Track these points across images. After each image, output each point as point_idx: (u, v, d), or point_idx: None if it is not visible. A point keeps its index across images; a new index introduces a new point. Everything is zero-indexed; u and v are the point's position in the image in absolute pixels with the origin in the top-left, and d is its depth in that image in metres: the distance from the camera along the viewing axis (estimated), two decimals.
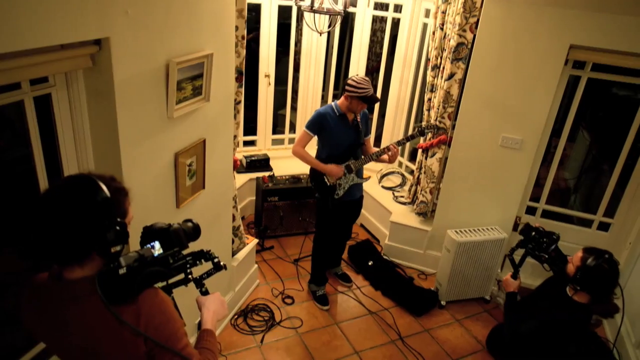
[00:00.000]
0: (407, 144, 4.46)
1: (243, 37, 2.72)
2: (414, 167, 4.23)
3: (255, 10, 4.36)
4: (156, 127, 2.10)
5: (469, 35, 3.33)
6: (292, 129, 5.02)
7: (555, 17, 3.05)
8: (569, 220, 3.94)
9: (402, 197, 4.34)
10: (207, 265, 1.52)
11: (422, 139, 3.88)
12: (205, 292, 1.54)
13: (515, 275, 2.62)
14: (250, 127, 4.78)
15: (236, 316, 3.37)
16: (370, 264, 4.02)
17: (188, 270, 1.45)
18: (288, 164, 4.65)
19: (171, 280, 1.46)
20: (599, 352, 3.26)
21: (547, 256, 2.51)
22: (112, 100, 1.81)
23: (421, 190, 3.96)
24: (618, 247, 3.59)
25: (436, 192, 3.94)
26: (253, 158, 4.52)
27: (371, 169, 4.54)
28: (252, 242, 3.52)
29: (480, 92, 3.40)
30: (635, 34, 2.95)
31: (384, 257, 4.16)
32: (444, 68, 3.57)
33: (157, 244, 1.36)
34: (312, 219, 4.30)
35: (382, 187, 4.53)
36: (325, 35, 4.51)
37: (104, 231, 1.20)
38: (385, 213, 4.26)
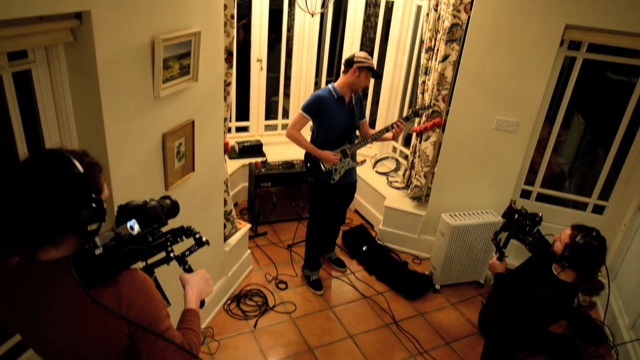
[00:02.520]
0: None
1: (232, 17, 2.66)
2: (408, 152, 4.19)
3: None
4: (142, 106, 2.05)
5: (463, 16, 3.28)
6: (285, 114, 4.97)
7: None
8: (564, 203, 3.93)
9: (396, 182, 4.31)
10: (189, 243, 1.48)
11: (416, 122, 3.85)
12: (188, 270, 1.50)
13: (501, 258, 2.61)
14: (243, 113, 4.73)
15: (229, 301, 3.35)
16: (364, 249, 3.99)
17: (169, 248, 1.41)
18: (281, 149, 4.60)
19: (152, 260, 1.42)
20: (593, 334, 3.26)
21: (530, 238, 2.50)
22: (95, 78, 1.75)
23: (415, 175, 3.93)
24: (612, 229, 3.58)
25: (430, 176, 3.91)
26: (246, 144, 4.47)
27: (365, 153, 4.50)
28: (244, 227, 3.49)
29: (475, 74, 3.36)
30: (631, 13, 2.91)
31: (378, 242, 4.14)
32: (438, 50, 3.52)
33: (135, 223, 1.30)
34: (305, 205, 4.27)
35: (376, 172, 4.50)
36: (318, 21, 4.45)
37: (78, 209, 1.14)
38: (379, 198, 4.23)
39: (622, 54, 3.24)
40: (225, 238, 3.27)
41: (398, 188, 4.23)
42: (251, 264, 3.74)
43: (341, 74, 3.17)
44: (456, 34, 3.35)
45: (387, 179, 4.38)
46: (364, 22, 4.55)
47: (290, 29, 4.72)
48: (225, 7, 2.56)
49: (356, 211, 4.65)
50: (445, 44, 3.39)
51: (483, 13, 3.18)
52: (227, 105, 2.91)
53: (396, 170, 4.49)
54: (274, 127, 4.95)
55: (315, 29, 4.52)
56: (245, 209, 4.47)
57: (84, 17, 1.66)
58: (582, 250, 2.21)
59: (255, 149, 4.49)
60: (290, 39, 4.73)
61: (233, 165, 4.32)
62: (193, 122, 2.43)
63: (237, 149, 4.46)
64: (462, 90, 3.44)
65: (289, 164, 4.27)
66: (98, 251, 1.16)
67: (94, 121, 1.84)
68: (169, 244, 1.41)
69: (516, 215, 2.55)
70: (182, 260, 1.50)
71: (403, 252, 4.11)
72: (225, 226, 3.22)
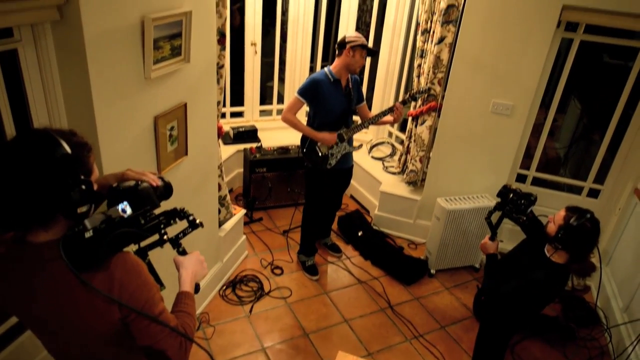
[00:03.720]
0: None
1: None
2: (403, 137, 4.17)
3: None
4: (133, 87, 2.01)
5: None
6: (280, 100, 4.92)
7: None
8: (560, 188, 3.93)
9: (391, 167, 4.29)
10: (182, 225, 1.45)
11: (411, 106, 3.82)
12: (182, 252, 1.48)
13: (493, 237, 2.61)
14: (238, 98, 4.68)
15: (224, 287, 3.34)
16: (360, 234, 3.99)
17: (162, 231, 1.38)
18: (276, 135, 4.57)
19: (145, 242, 1.39)
20: (586, 317, 3.28)
21: (525, 218, 2.50)
22: (83, 57, 1.71)
23: (411, 159, 3.91)
24: (607, 213, 3.58)
25: (426, 161, 3.89)
26: (240, 129, 4.43)
27: (361, 138, 4.47)
28: (239, 212, 3.47)
29: (471, 56, 3.32)
30: None
31: (374, 227, 4.14)
32: (434, 32, 3.47)
33: (126, 205, 1.26)
34: (301, 190, 4.25)
35: (372, 157, 4.48)
36: (312, 4, 4.39)
37: (67, 190, 1.11)
38: (375, 183, 4.22)
39: (620, 36, 3.21)
40: (220, 223, 3.25)
41: (394, 173, 4.22)
42: (246, 249, 3.73)
43: (336, 57, 3.13)
44: (452, 16, 3.30)
45: (383, 164, 4.36)
46: (360, 5, 4.49)
47: (284, 12, 4.66)
48: None
49: (352, 196, 4.64)
50: (441, 26, 3.35)
51: None
52: (221, 89, 2.87)
53: (392, 155, 4.47)
54: (269, 113, 4.91)
55: (310, 12, 4.45)
56: (240, 194, 4.45)
57: None
58: (576, 232, 2.20)
59: (250, 134, 4.45)
60: (284, 23, 4.67)
61: (228, 150, 4.29)
62: (185, 105, 2.39)
63: (231, 135, 4.42)
64: (458, 73, 3.40)
65: (284, 149, 4.24)
66: (88, 234, 1.13)
67: (83, 102, 1.80)
68: (162, 226, 1.38)
69: (511, 195, 2.55)
70: (175, 242, 1.47)
71: (399, 237, 4.11)
72: (220, 211, 3.20)
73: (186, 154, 2.52)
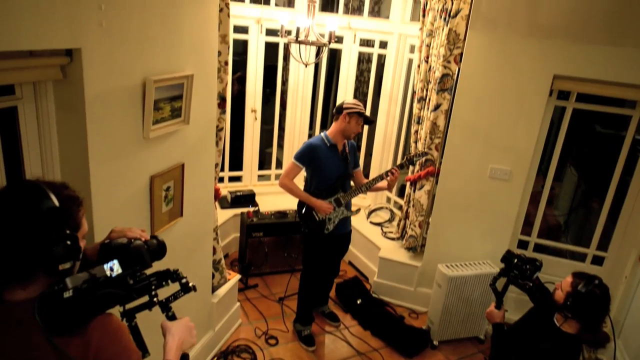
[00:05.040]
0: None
1: (226, 63, 2.69)
2: (402, 202, 4.15)
3: (243, 52, 4.41)
4: (131, 147, 2.00)
5: (454, 67, 3.35)
6: (279, 165, 4.96)
7: (539, 48, 3.09)
8: (562, 255, 3.84)
9: (390, 232, 4.23)
10: (174, 289, 1.37)
11: (410, 171, 3.83)
12: (171, 317, 1.38)
13: (499, 306, 2.49)
14: (237, 163, 4.71)
15: (216, 358, 3.15)
16: (358, 302, 3.84)
17: (153, 292, 1.30)
18: (274, 199, 4.54)
19: (133, 304, 1.31)
20: None
21: (531, 284, 2.40)
22: (83, 116, 1.72)
23: (410, 224, 3.86)
24: (614, 280, 3.47)
25: (425, 226, 3.84)
26: (238, 193, 4.41)
27: (359, 204, 4.45)
28: (234, 277, 3.35)
29: (467, 123, 3.38)
30: (617, 64, 2.99)
31: (373, 295, 3.99)
32: (429, 100, 3.57)
33: (115, 264, 1.20)
34: (298, 255, 4.15)
35: (371, 222, 4.42)
36: (312, 75, 4.55)
37: (50, 245, 1.05)
38: (373, 249, 4.13)
39: (611, 103, 3.30)
40: (214, 289, 3.13)
41: (393, 238, 4.14)
42: (240, 317, 3.57)
43: (333, 122, 3.18)
44: (447, 84, 3.41)
45: (382, 229, 4.30)
46: (357, 77, 4.65)
47: (284, 82, 4.82)
48: (220, 53, 2.60)
49: (350, 263, 4.53)
50: (437, 94, 3.44)
51: (473, 64, 3.26)
52: (219, 151, 2.88)
53: (390, 220, 4.42)
54: (267, 177, 4.92)
55: (309, 82, 4.60)
56: (236, 260, 4.34)
57: (75, 55, 1.65)
58: (585, 299, 2.10)
59: (247, 198, 4.42)
60: (284, 92, 4.81)
61: (225, 215, 4.24)
62: (183, 166, 2.38)
63: (229, 199, 4.39)
64: (454, 139, 3.45)
65: (281, 214, 4.19)
66: (67, 294, 1.06)
67: (79, 159, 1.78)
68: (153, 287, 1.30)
69: (515, 260, 2.46)
70: (165, 306, 1.39)
71: (399, 306, 3.95)
72: (213, 276, 3.09)
73: (181, 215, 2.48)
